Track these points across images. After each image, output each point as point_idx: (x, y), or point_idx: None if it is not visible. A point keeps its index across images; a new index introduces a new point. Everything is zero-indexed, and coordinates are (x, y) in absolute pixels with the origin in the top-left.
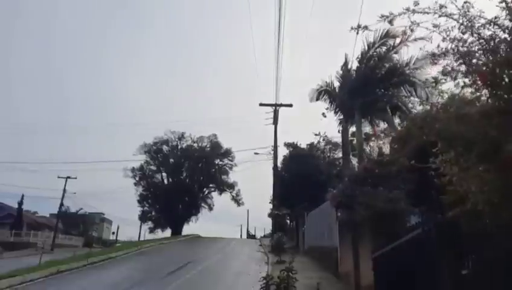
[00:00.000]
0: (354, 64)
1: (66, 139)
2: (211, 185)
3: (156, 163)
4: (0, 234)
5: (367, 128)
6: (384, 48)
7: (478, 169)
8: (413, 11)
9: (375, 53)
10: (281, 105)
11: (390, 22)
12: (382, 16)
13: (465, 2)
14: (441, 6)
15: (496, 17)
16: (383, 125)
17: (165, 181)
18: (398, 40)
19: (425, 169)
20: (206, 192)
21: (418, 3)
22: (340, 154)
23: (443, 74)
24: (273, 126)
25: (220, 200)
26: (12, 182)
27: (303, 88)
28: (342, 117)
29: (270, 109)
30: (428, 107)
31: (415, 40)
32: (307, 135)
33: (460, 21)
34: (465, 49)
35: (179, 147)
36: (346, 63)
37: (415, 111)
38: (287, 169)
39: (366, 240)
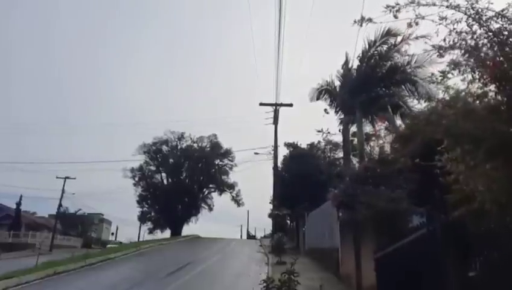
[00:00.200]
0: (355, 63)
1: (64, 139)
2: (210, 186)
3: (156, 163)
4: None
5: (367, 128)
6: (385, 47)
7: (486, 167)
8: (418, 4)
9: (376, 52)
10: (281, 105)
11: (396, 13)
12: (387, 7)
13: None
14: None
15: (503, 10)
16: (383, 124)
17: (165, 181)
18: (399, 38)
19: (430, 168)
20: (206, 192)
21: None
22: (341, 154)
23: (453, 65)
24: (273, 126)
25: (220, 200)
26: (11, 183)
27: (303, 88)
28: (342, 116)
29: (270, 109)
30: (430, 105)
31: (417, 38)
32: (307, 135)
33: (468, 13)
34: (473, 42)
35: (179, 147)
36: (347, 62)
37: (416, 110)
38: (287, 169)
39: (368, 240)
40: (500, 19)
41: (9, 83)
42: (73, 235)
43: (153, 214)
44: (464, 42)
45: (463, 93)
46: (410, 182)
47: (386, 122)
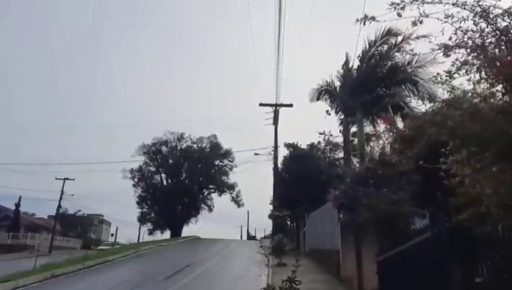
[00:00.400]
0: (355, 63)
1: (63, 140)
2: (210, 186)
3: (155, 164)
4: None
5: (367, 129)
6: (385, 46)
7: (493, 169)
8: (423, 1)
9: (376, 51)
10: (281, 105)
11: (400, 11)
12: (392, 4)
13: None
14: None
15: (511, 7)
16: (388, 125)
17: (164, 182)
18: (400, 38)
19: (433, 170)
20: (206, 193)
21: None
22: (341, 155)
23: (460, 64)
24: (273, 126)
25: (220, 201)
26: (10, 184)
27: (303, 88)
28: (342, 117)
29: (270, 109)
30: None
31: (417, 37)
32: (307, 135)
33: (475, 11)
34: (480, 40)
35: (178, 147)
36: (347, 62)
37: (417, 110)
38: (287, 170)
39: (369, 242)
40: (507, 16)
41: (8, 83)
42: (73, 236)
43: (152, 215)
44: (470, 41)
45: (469, 93)
46: (412, 183)
47: (390, 124)
